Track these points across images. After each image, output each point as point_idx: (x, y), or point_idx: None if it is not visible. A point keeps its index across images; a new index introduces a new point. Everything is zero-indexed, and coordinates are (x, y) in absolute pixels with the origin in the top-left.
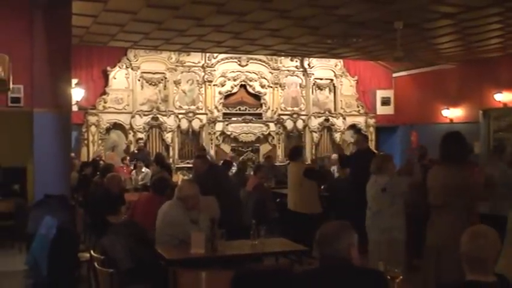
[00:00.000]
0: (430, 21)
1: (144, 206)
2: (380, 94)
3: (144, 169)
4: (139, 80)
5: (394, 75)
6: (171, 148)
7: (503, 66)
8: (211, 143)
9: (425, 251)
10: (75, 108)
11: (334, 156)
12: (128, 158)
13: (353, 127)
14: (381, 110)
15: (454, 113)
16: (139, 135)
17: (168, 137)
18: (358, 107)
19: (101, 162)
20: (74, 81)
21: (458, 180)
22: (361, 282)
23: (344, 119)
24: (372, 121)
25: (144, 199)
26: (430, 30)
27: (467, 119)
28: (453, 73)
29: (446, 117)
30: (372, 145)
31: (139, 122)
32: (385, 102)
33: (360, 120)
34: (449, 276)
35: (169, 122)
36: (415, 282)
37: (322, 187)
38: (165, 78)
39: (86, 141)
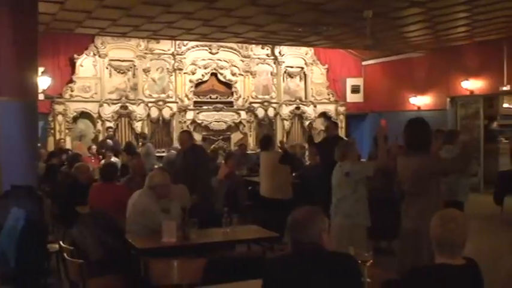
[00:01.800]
0: (399, 10)
1: (96, 195)
2: (350, 82)
3: (113, 158)
4: (107, 68)
5: (364, 63)
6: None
7: (470, 54)
8: None
9: (401, 235)
10: (41, 97)
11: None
12: (94, 147)
13: (324, 115)
14: (350, 97)
15: (421, 101)
16: (108, 124)
17: (137, 126)
18: (328, 95)
19: (69, 151)
20: (40, 69)
21: (427, 166)
22: (333, 267)
23: (315, 106)
24: (342, 109)
25: (95, 189)
26: (399, 19)
27: (435, 107)
28: (421, 61)
29: (414, 104)
30: (342, 132)
31: (108, 110)
32: (355, 90)
33: (331, 108)
34: (427, 261)
35: (139, 110)
36: (383, 265)
37: (293, 174)
38: (134, 66)
39: (52, 131)
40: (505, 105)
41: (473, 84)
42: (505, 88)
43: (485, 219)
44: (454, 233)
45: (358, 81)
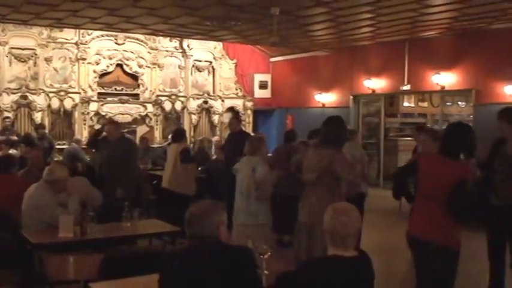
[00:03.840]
0: (305, 9)
1: None
2: (258, 78)
3: (11, 151)
4: (7, 56)
5: (272, 59)
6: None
7: (373, 54)
8: (85, 124)
9: (296, 228)
10: None
11: (214, 138)
12: None
13: (231, 110)
14: (258, 93)
15: (326, 98)
16: (6, 114)
17: (37, 116)
18: (236, 89)
19: None
20: None
21: (322, 161)
22: (230, 259)
23: (223, 101)
24: (249, 104)
25: None
26: (305, 17)
27: (339, 104)
28: (326, 60)
29: (319, 101)
30: (249, 128)
31: (7, 100)
32: (263, 86)
33: (238, 103)
34: (320, 252)
35: (39, 100)
36: (285, 258)
37: (199, 168)
38: (36, 54)
39: None
40: (405, 104)
41: (375, 83)
42: (405, 87)
43: (385, 213)
44: (346, 225)
45: (266, 77)
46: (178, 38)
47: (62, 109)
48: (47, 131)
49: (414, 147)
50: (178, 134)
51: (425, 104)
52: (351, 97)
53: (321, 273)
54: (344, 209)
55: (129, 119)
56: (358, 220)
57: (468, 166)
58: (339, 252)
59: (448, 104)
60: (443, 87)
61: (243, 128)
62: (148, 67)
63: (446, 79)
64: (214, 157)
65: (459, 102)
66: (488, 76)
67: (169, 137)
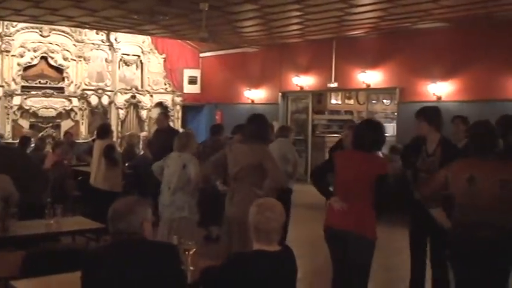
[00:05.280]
0: (234, 5)
1: None
2: (187, 73)
3: None
4: None
5: (201, 55)
6: None
7: (301, 52)
8: (8, 118)
9: (225, 222)
10: None
11: (142, 134)
12: None
13: (160, 105)
14: (188, 88)
15: (255, 94)
16: None
17: None
18: (165, 84)
19: None
20: None
21: (251, 157)
22: (154, 256)
23: (151, 96)
24: (178, 99)
25: None
26: (234, 14)
27: (268, 100)
28: (256, 56)
29: (248, 98)
30: (178, 123)
31: None
32: (192, 81)
33: (167, 98)
34: (249, 246)
35: None
36: (212, 253)
37: (126, 164)
38: None
39: None
40: (333, 101)
41: (303, 81)
42: (332, 85)
43: (312, 208)
44: (271, 220)
45: (196, 73)
46: (105, 31)
47: None
48: None
49: (336, 142)
50: (103, 131)
51: (351, 102)
52: (280, 94)
53: (244, 267)
54: (269, 204)
55: (53, 113)
56: (282, 215)
57: (383, 159)
58: (263, 247)
59: (373, 101)
60: (368, 85)
61: (172, 125)
62: (74, 60)
63: (371, 77)
64: (141, 153)
65: (384, 100)
66: (412, 75)
67: (95, 133)
